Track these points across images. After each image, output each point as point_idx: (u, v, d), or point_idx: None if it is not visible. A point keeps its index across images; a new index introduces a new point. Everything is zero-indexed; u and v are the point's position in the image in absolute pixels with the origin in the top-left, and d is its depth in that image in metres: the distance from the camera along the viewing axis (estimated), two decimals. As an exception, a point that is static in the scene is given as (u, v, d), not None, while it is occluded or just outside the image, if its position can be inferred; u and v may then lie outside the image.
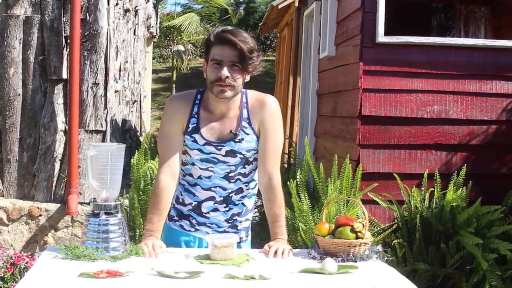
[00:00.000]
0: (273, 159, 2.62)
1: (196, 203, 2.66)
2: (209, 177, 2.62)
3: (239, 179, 2.64)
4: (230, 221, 2.68)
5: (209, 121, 2.59)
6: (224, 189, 2.63)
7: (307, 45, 7.12)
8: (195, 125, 2.59)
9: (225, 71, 2.46)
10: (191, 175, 2.66)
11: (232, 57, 2.46)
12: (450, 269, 4.02)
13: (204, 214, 2.66)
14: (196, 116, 2.59)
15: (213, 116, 2.59)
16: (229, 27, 2.55)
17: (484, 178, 4.48)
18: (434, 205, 4.18)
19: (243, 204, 2.69)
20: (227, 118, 2.60)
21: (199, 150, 2.59)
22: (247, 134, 2.60)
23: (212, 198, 2.64)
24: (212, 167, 2.60)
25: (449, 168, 4.47)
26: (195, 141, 2.58)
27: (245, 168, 2.64)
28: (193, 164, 2.63)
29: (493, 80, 4.55)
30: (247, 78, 2.56)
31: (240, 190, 2.66)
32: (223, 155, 2.58)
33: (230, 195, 2.64)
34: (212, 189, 2.63)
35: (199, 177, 2.63)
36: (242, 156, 2.60)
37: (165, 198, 2.57)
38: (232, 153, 2.58)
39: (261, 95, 2.66)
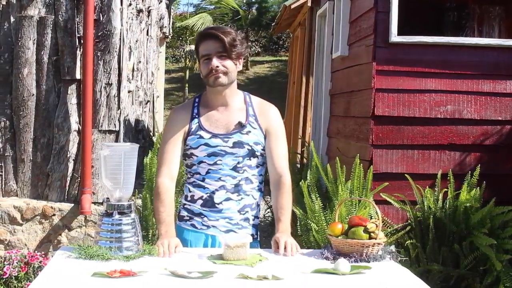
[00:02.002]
0: (283, 161, 2.76)
1: (207, 195, 2.71)
2: (217, 170, 2.70)
3: (246, 170, 2.71)
4: (242, 213, 2.73)
5: (211, 116, 2.73)
6: (234, 177, 2.70)
7: (320, 45, 7.11)
8: (197, 124, 2.71)
9: (214, 62, 2.66)
10: (198, 173, 2.73)
11: (217, 48, 2.67)
12: (464, 270, 4.00)
13: (216, 206, 2.70)
14: (197, 116, 2.74)
15: (214, 109, 2.74)
16: (212, 25, 2.72)
17: (498, 179, 4.45)
18: (447, 206, 4.16)
19: (253, 196, 2.75)
20: (231, 109, 2.74)
21: (206, 144, 2.68)
22: (254, 129, 2.72)
23: (223, 187, 2.70)
24: (220, 159, 2.68)
25: (463, 169, 4.45)
26: (200, 137, 2.69)
27: (251, 160, 2.72)
28: (199, 163, 2.71)
29: (507, 80, 4.51)
30: (239, 66, 2.74)
31: (249, 180, 2.73)
32: (230, 147, 2.68)
33: (240, 183, 2.71)
34: (222, 178, 2.70)
35: (208, 172, 2.71)
36: (249, 148, 2.70)
37: (168, 196, 2.70)
38: (239, 144, 2.69)
39: (264, 101, 2.85)
